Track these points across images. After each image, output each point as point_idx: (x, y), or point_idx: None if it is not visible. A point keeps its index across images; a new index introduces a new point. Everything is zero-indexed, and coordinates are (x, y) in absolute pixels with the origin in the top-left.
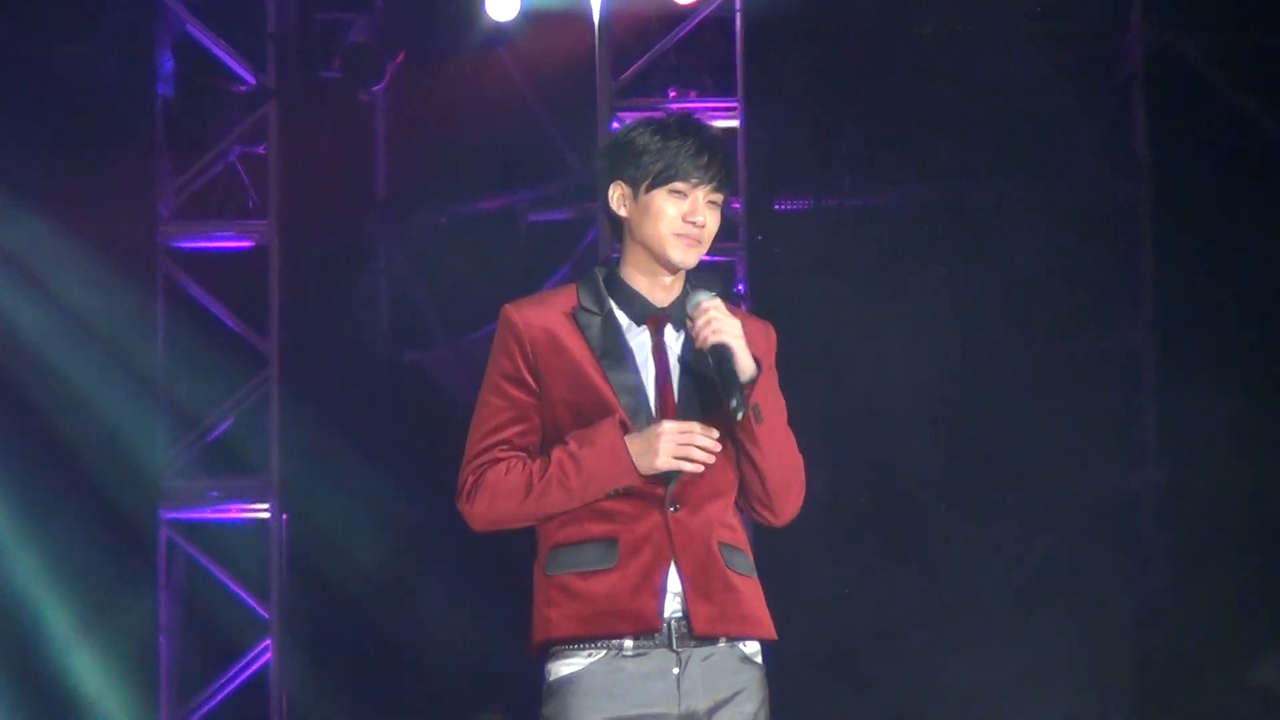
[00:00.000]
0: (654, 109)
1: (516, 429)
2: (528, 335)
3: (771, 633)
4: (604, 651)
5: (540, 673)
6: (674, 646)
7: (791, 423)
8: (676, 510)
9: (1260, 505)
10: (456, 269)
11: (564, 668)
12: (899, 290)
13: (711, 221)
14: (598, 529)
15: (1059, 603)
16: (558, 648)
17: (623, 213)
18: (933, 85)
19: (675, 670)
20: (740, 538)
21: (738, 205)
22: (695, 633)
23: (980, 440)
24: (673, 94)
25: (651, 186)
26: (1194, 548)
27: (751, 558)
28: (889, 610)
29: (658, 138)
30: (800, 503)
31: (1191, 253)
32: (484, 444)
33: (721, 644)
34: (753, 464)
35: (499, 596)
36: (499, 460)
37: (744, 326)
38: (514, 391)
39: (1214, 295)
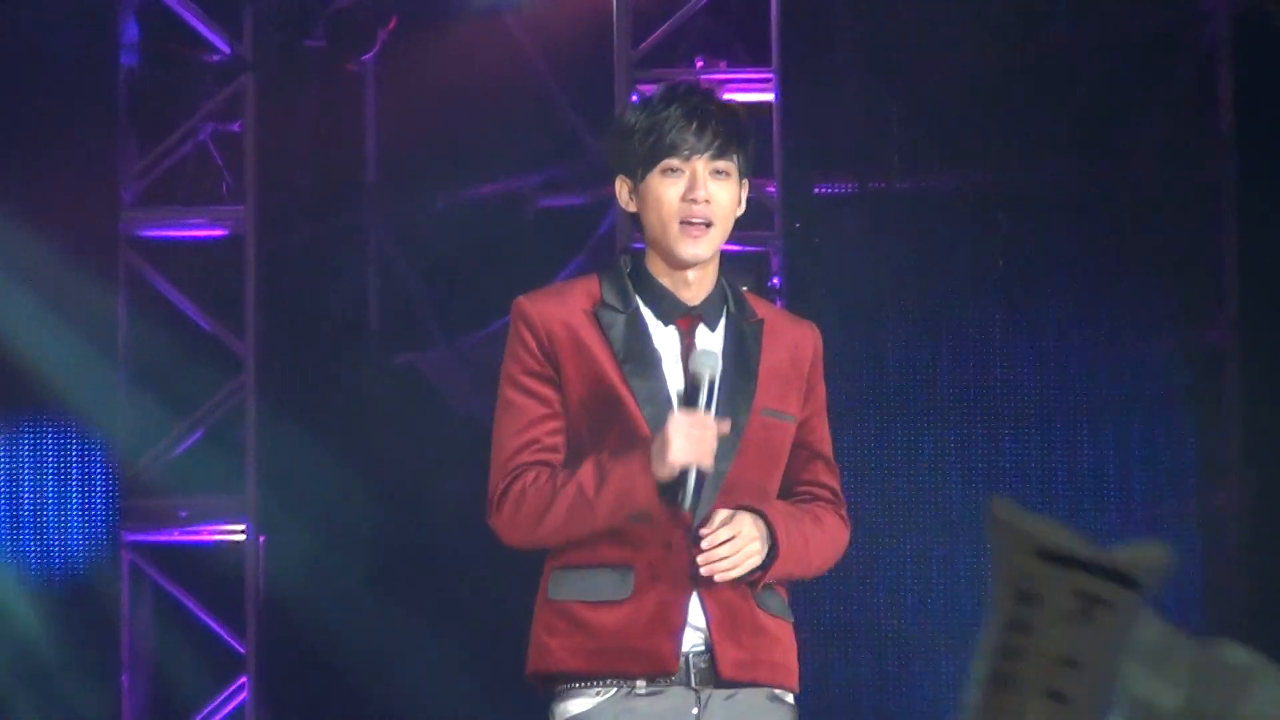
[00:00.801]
0: (679, 81)
1: (547, 427)
2: (545, 330)
3: (796, 684)
4: (614, 689)
5: (543, 709)
6: (693, 684)
7: (834, 428)
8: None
9: None
10: (456, 261)
11: (572, 707)
12: (952, 283)
13: (722, 195)
14: (611, 554)
15: None
16: (564, 685)
17: (631, 208)
18: (993, 55)
19: (695, 710)
20: None
21: (773, 189)
22: (721, 677)
23: (1040, 449)
24: (700, 63)
25: (646, 171)
26: None
27: (785, 597)
28: (930, 640)
29: (644, 113)
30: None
31: None
32: (513, 445)
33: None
34: None
35: (503, 631)
36: (529, 467)
37: (785, 330)
38: (538, 386)
39: None
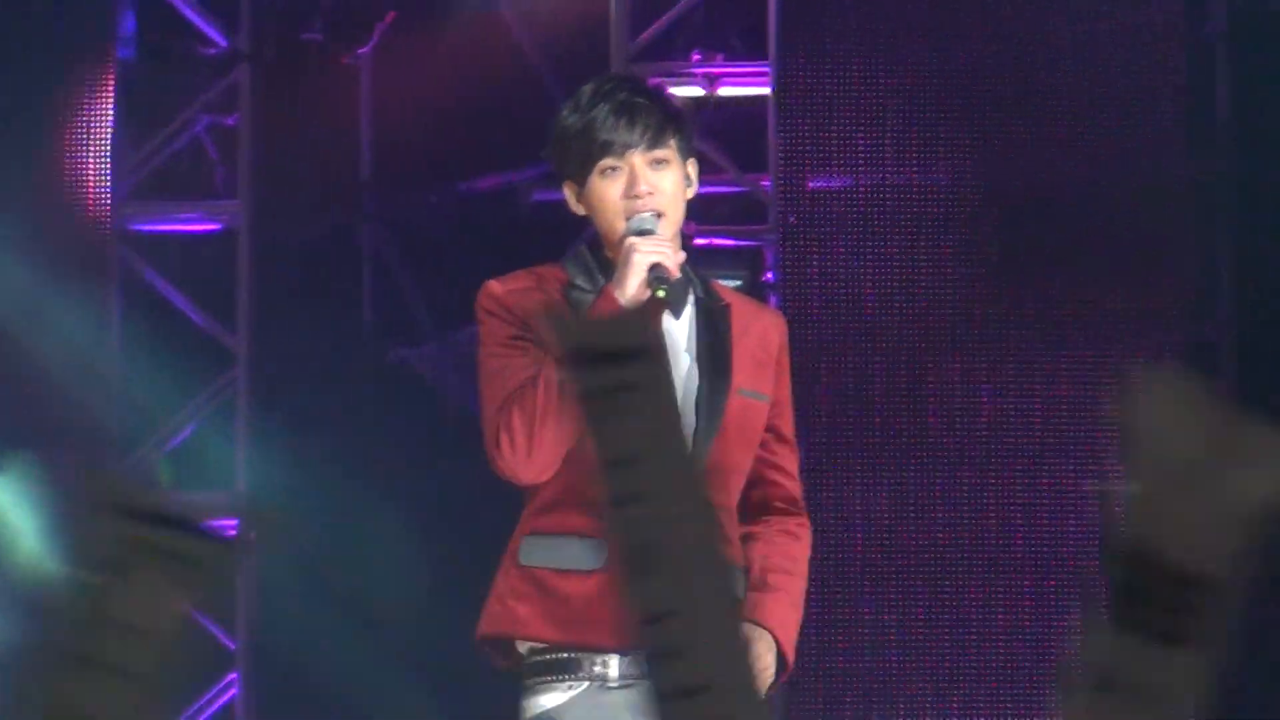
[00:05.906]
0: (675, 74)
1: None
2: (520, 308)
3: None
4: (586, 683)
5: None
6: None
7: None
8: None
9: None
10: (450, 256)
11: (544, 701)
12: (948, 279)
13: (665, 183)
14: (582, 523)
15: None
16: (533, 680)
17: (581, 211)
18: (992, 48)
19: None
20: (740, 552)
21: (767, 183)
22: None
23: (1036, 449)
24: (697, 57)
25: (586, 173)
26: None
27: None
28: (904, 636)
29: (575, 116)
30: None
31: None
32: (501, 396)
33: None
34: None
35: None
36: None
37: (753, 315)
38: (521, 347)
39: None
